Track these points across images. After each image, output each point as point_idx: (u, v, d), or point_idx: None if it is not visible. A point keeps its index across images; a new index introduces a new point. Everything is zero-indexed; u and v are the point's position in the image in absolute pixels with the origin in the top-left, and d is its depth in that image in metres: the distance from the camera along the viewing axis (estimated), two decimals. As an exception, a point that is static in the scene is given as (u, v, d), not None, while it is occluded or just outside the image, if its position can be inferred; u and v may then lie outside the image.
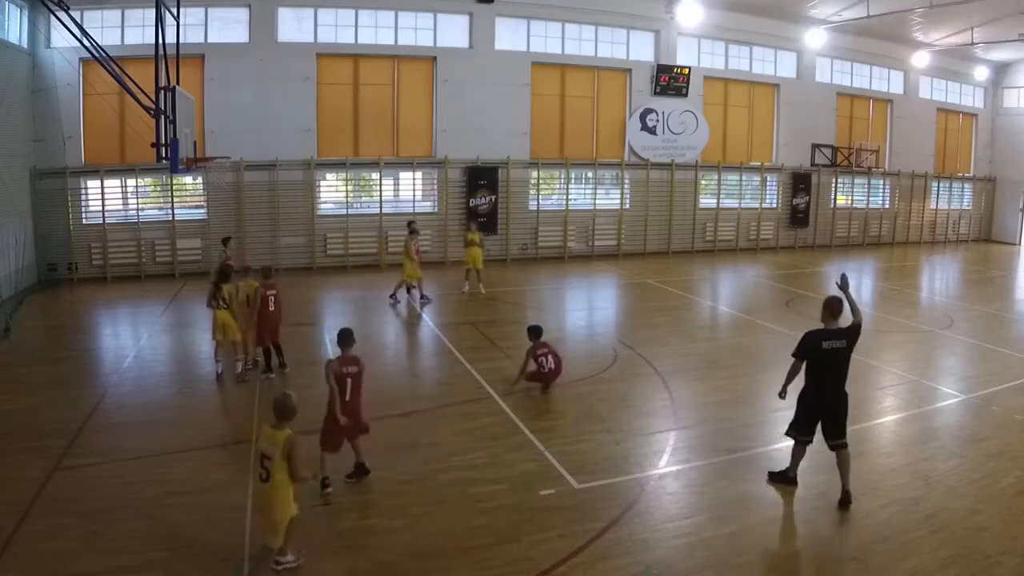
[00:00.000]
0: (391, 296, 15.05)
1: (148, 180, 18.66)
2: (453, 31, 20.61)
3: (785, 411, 6.45)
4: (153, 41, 11.69)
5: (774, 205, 25.82)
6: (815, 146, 26.16)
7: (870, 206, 28.22)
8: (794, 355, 6.52)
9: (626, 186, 23.06)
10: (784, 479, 6.76)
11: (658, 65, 22.83)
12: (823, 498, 6.52)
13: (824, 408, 6.44)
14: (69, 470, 6.96)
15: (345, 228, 19.79)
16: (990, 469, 7.23)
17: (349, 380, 6.51)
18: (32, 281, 16.45)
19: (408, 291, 14.96)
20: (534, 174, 21.90)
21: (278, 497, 5.01)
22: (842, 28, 24.76)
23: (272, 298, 9.81)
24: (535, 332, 9.53)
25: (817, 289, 17.37)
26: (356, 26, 19.73)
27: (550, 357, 9.32)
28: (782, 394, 6.71)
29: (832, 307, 6.41)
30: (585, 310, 16.23)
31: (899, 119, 28.15)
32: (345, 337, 6.74)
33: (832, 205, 27.05)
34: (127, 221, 18.17)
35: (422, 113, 20.62)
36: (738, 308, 15.62)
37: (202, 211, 18.83)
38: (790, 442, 6.72)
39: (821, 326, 6.49)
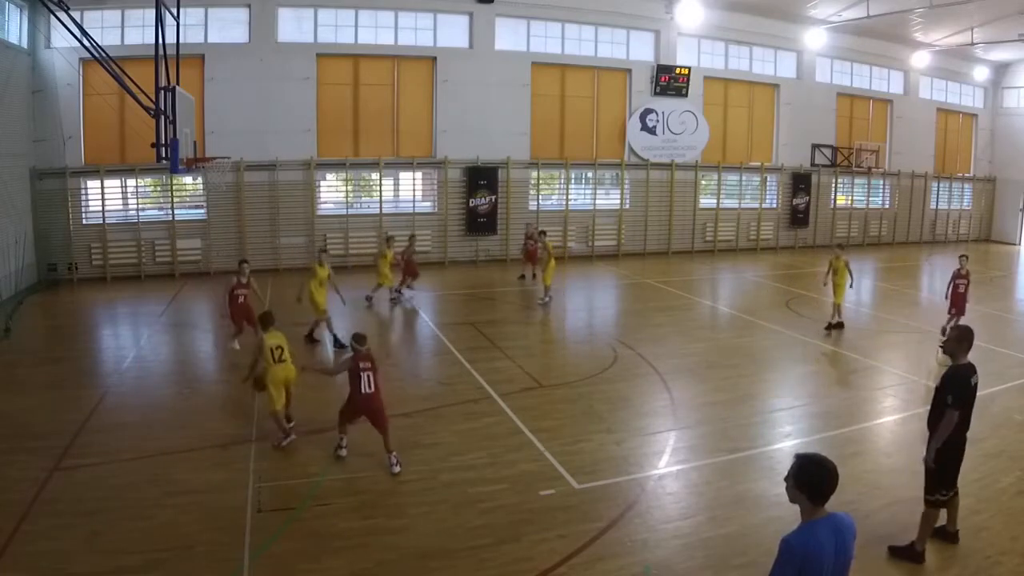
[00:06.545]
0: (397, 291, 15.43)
1: (148, 180, 18.65)
2: (453, 31, 20.61)
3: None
4: (153, 41, 11.67)
5: (774, 205, 25.81)
6: (815, 146, 26.16)
7: (870, 206, 28.24)
8: (953, 406, 5.32)
9: (626, 186, 23.05)
10: (912, 556, 5.54)
11: (658, 65, 22.83)
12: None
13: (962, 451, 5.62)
14: (69, 470, 6.96)
15: (345, 228, 19.79)
16: (990, 469, 7.22)
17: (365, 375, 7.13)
18: (32, 281, 16.44)
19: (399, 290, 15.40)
20: (534, 174, 21.90)
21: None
22: (842, 28, 24.76)
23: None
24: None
25: (817, 289, 17.33)
26: (356, 26, 19.72)
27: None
28: (929, 459, 5.49)
29: (971, 339, 5.54)
30: (585, 310, 16.22)
31: (899, 119, 28.15)
32: (359, 338, 7.34)
33: (832, 205, 27.08)
34: (127, 221, 18.16)
35: (422, 113, 20.61)
36: (738, 308, 15.60)
37: (202, 211, 18.83)
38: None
39: (945, 360, 5.87)
